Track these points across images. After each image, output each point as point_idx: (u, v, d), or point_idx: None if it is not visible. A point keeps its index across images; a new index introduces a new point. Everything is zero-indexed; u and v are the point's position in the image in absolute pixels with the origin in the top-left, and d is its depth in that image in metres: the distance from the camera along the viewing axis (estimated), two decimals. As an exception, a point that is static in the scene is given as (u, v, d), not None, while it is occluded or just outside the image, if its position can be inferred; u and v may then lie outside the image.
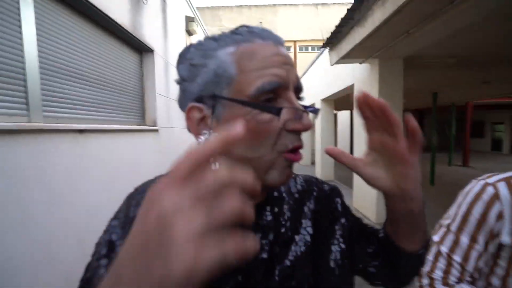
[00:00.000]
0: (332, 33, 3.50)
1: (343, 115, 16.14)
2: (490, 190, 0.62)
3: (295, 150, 0.37)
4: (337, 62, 4.01)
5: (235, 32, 0.38)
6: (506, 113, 14.69)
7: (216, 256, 0.18)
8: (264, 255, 0.40)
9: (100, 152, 2.40)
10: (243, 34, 0.37)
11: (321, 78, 7.19)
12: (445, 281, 0.63)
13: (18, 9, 1.63)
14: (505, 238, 0.59)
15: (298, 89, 0.39)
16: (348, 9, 2.85)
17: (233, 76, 0.35)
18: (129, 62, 3.23)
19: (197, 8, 9.79)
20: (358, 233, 0.51)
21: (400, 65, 3.77)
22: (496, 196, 0.61)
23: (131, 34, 2.97)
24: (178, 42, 5.00)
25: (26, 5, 1.68)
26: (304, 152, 10.80)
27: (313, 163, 10.11)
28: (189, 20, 5.70)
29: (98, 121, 2.53)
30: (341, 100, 7.73)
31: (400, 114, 3.84)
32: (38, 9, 1.79)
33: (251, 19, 20.65)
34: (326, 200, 0.50)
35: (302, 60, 20.04)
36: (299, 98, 0.39)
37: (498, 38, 3.14)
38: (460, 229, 0.64)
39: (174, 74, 4.19)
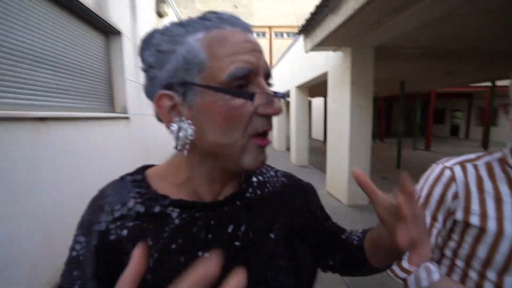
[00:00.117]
0: (306, 20, 3.51)
1: (317, 102, 16.52)
2: (447, 173, 0.68)
3: (264, 134, 0.38)
4: (312, 50, 4.05)
5: (203, 18, 0.37)
6: (463, 101, 15.92)
7: None
8: (238, 245, 0.41)
9: (66, 141, 2.26)
10: (212, 20, 0.37)
11: (295, 65, 7.23)
12: (411, 260, 0.69)
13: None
14: (459, 215, 0.66)
15: (267, 75, 0.39)
16: (322, -4, 2.86)
17: (204, 62, 0.35)
18: (94, 45, 3.02)
19: (168, -12, 9.26)
20: (324, 234, 0.53)
21: (371, 54, 3.89)
22: (452, 178, 0.67)
23: (95, 14, 2.75)
24: (148, 24, 4.74)
25: (-30, -24, 1.49)
26: (279, 138, 10.96)
27: (288, 149, 10.30)
28: (159, 1, 5.40)
29: (61, 108, 2.36)
30: (315, 87, 7.88)
31: (370, 101, 4.00)
32: (-16, -19, 1.60)
33: (226, 2, 20.03)
34: (300, 193, 0.52)
35: (277, 47, 19.95)
36: (268, 84, 0.39)
37: (460, 32, 3.35)
38: (423, 209, 0.70)
39: (144, 59, 3.98)
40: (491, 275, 0.61)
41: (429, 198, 0.69)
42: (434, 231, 0.69)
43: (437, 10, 2.40)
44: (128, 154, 3.57)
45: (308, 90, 7.84)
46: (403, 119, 7.63)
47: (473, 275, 0.64)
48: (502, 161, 0.65)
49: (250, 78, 0.36)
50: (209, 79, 0.35)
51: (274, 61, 13.52)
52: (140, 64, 0.40)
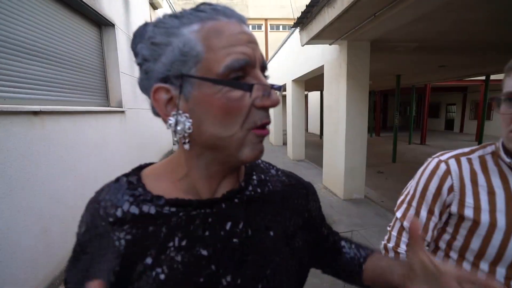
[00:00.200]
0: (302, 13, 3.48)
1: (314, 96, 16.50)
2: (443, 166, 0.69)
3: (263, 126, 0.37)
4: (308, 43, 4.02)
5: (198, 9, 0.37)
6: (458, 95, 16.03)
7: None
8: (236, 242, 0.41)
9: (60, 135, 2.24)
10: (207, 12, 0.36)
11: (291, 59, 7.18)
12: None
13: None
14: (454, 208, 0.67)
15: (263, 67, 0.39)
16: (319, -11, 2.83)
17: (200, 54, 0.34)
18: (87, 37, 2.97)
19: (162, -21, 9.08)
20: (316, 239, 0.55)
21: (368, 47, 3.88)
22: (448, 172, 0.68)
23: (88, 5, 2.70)
24: (142, 16, 4.66)
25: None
26: (276, 133, 10.96)
27: (284, 143, 10.33)
28: (153, -8, 5.32)
29: (55, 102, 2.33)
30: (311, 81, 7.86)
31: (366, 95, 4.01)
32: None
33: (221, -5, 19.72)
34: (301, 193, 0.52)
35: (273, 39, 19.79)
36: (264, 76, 0.39)
37: (455, 26, 3.35)
38: (419, 203, 0.71)
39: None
40: (484, 265, 0.63)
41: (426, 191, 0.70)
42: (431, 225, 0.70)
43: (433, 3, 2.39)
44: (123, 148, 3.55)
45: (304, 84, 7.82)
46: (399, 113, 7.66)
47: (466, 266, 0.66)
48: (495, 155, 0.66)
49: (247, 70, 0.36)
50: (205, 71, 0.34)
51: (270, 54, 13.41)
52: (134, 57, 0.39)
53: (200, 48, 0.34)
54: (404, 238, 0.72)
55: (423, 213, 0.70)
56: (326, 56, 4.58)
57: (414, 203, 0.72)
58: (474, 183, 0.65)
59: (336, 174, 4.45)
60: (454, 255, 0.68)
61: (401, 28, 3.22)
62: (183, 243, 0.39)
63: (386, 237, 0.76)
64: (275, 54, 9.41)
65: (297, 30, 4.35)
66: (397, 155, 7.74)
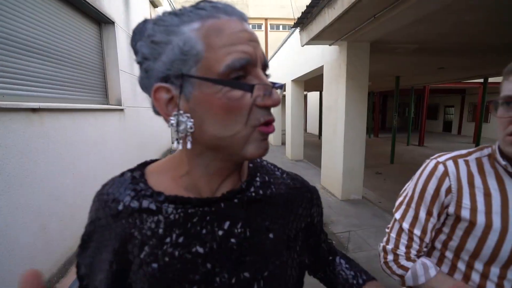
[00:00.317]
0: (302, 13, 3.48)
1: (313, 96, 16.50)
2: (441, 168, 0.69)
3: (268, 123, 0.37)
4: (308, 43, 4.02)
5: (198, 7, 0.36)
6: (456, 97, 16.08)
7: None
8: (234, 242, 0.41)
9: (59, 133, 2.23)
10: (207, 9, 0.35)
11: (291, 59, 7.18)
12: (407, 255, 0.71)
13: None
14: (451, 209, 0.68)
15: (264, 66, 0.38)
16: (319, -11, 2.84)
17: (201, 53, 0.34)
18: (87, 35, 2.96)
19: (162, -23, 9.04)
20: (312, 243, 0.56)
21: (367, 48, 3.89)
22: (446, 173, 0.68)
23: (88, 3, 2.69)
24: (142, 14, 4.65)
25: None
26: (275, 133, 10.96)
27: (283, 143, 10.33)
28: (153, -10, 5.30)
29: (54, 99, 2.32)
30: (311, 81, 7.86)
31: (366, 96, 4.02)
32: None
33: (221, -7, 19.64)
34: (306, 196, 0.52)
35: (273, 39, 19.78)
36: (266, 75, 0.38)
37: (456, 28, 3.36)
38: (418, 205, 0.72)
39: (138, 50, 3.91)
40: (478, 266, 0.64)
41: (424, 193, 0.71)
42: (430, 226, 0.70)
43: (433, 4, 2.40)
44: (122, 146, 3.54)
45: (303, 84, 7.82)
46: (397, 115, 7.68)
47: (461, 265, 0.67)
48: (491, 157, 0.67)
49: (248, 69, 0.35)
50: (206, 70, 0.34)
51: (270, 54, 13.39)
52: (133, 55, 0.39)
53: (200, 47, 0.34)
54: (403, 239, 0.72)
55: (422, 214, 0.71)
56: (326, 56, 4.58)
57: (413, 205, 0.73)
58: (471, 184, 0.66)
59: (334, 175, 4.46)
60: (449, 254, 0.69)
61: (401, 30, 3.22)
62: (180, 239, 0.39)
63: (384, 239, 0.76)
64: (275, 54, 9.41)
65: (297, 30, 4.36)
66: (395, 156, 7.75)
